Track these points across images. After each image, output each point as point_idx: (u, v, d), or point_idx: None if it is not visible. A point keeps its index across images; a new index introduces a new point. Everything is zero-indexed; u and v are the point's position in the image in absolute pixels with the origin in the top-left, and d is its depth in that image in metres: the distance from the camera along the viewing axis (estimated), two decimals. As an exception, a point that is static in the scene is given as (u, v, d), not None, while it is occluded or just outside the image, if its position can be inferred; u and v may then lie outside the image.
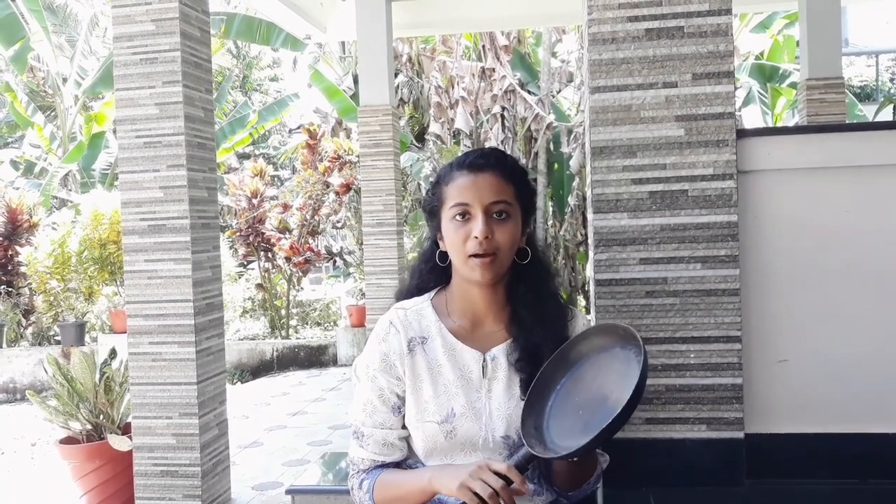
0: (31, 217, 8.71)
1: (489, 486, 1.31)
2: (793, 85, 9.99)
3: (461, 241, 1.49)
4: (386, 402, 1.57)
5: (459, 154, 1.60)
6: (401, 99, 10.77)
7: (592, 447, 1.30)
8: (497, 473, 1.32)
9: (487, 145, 9.52)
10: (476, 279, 1.50)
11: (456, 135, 10.30)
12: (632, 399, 1.27)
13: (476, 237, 1.47)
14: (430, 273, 1.66)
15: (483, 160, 1.53)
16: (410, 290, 1.69)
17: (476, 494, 1.31)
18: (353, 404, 1.64)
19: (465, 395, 1.53)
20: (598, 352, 1.45)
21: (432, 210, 1.60)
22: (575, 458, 1.37)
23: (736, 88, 2.67)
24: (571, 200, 9.60)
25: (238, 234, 9.36)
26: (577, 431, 1.35)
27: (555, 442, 1.39)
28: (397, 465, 1.61)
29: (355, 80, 10.74)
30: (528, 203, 1.58)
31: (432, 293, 1.65)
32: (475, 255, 1.48)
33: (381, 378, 1.57)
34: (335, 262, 10.52)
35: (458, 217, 1.50)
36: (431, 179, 1.62)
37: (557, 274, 1.75)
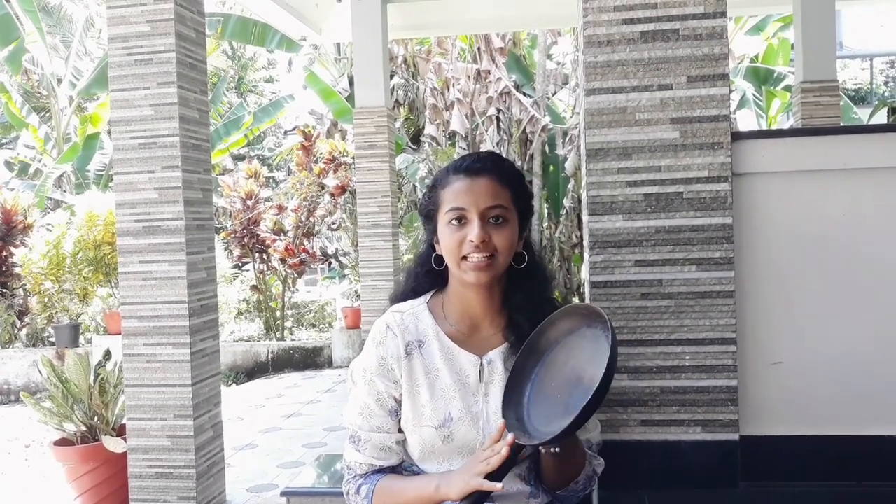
0: (26, 218, 8.69)
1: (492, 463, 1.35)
2: (787, 88, 10.01)
3: (457, 244, 1.49)
4: (383, 406, 1.57)
5: (455, 157, 1.61)
6: (396, 101, 10.76)
7: (573, 429, 1.31)
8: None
9: (483, 147, 9.54)
10: (472, 282, 1.50)
11: (451, 137, 10.30)
12: (606, 375, 1.29)
13: (472, 241, 1.47)
14: (426, 277, 1.65)
15: (479, 164, 1.53)
16: (406, 294, 1.68)
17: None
18: (348, 408, 1.63)
19: (462, 400, 1.52)
20: (565, 335, 1.46)
21: (428, 214, 1.59)
22: (556, 449, 1.40)
23: (731, 91, 2.68)
24: (567, 202, 9.60)
25: (233, 235, 9.35)
26: (558, 415, 1.36)
27: (538, 430, 1.40)
28: (393, 469, 1.60)
29: (350, 82, 10.73)
30: (524, 207, 1.58)
31: (428, 296, 1.65)
32: (470, 258, 1.48)
33: (378, 382, 1.56)
34: (330, 263, 10.51)
35: (454, 221, 1.50)
36: (428, 183, 1.63)
37: (553, 278, 1.75)
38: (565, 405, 1.36)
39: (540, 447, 1.43)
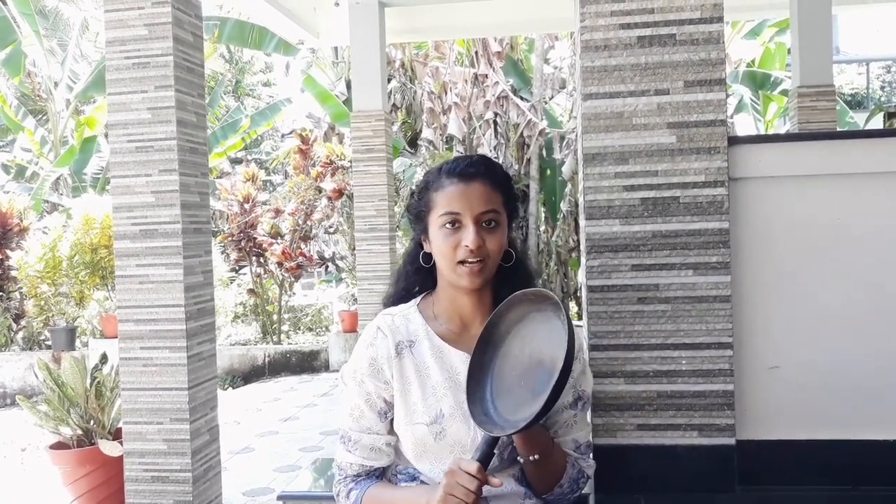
0: (22, 221, 8.67)
1: (471, 491, 1.33)
2: (784, 92, 10.02)
3: (451, 248, 1.50)
4: (373, 407, 1.58)
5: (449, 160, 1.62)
6: (393, 104, 10.76)
7: (546, 410, 1.32)
8: (470, 474, 1.34)
9: (480, 151, 9.55)
10: (465, 285, 1.51)
11: (449, 140, 10.31)
12: (568, 350, 1.31)
13: (467, 246, 1.48)
14: (416, 275, 1.67)
15: (473, 169, 1.54)
16: (398, 294, 1.70)
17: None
18: (341, 409, 1.64)
19: (453, 397, 1.53)
20: (516, 324, 1.48)
21: (419, 214, 1.61)
22: (536, 456, 1.44)
23: (727, 96, 2.68)
24: (564, 206, 9.61)
25: (230, 238, 9.33)
26: (527, 400, 1.38)
27: (508, 420, 1.41)
28: (383, 471, 1.62)
29: (348, 86, 10.74)
30: (513, 209, 1.60)
31: (418, 299, 1.67)
32: (465, 263, 1.49)
33: (368, 383, 1.57)
34: (327, 267, 10.50)
35: (447, 225, 1.51)
36: (418, 183, 1.64)
37: (539, 275, 1.77)
38: (532, 390, 1.38)
39: (518, 457, 1.46)
